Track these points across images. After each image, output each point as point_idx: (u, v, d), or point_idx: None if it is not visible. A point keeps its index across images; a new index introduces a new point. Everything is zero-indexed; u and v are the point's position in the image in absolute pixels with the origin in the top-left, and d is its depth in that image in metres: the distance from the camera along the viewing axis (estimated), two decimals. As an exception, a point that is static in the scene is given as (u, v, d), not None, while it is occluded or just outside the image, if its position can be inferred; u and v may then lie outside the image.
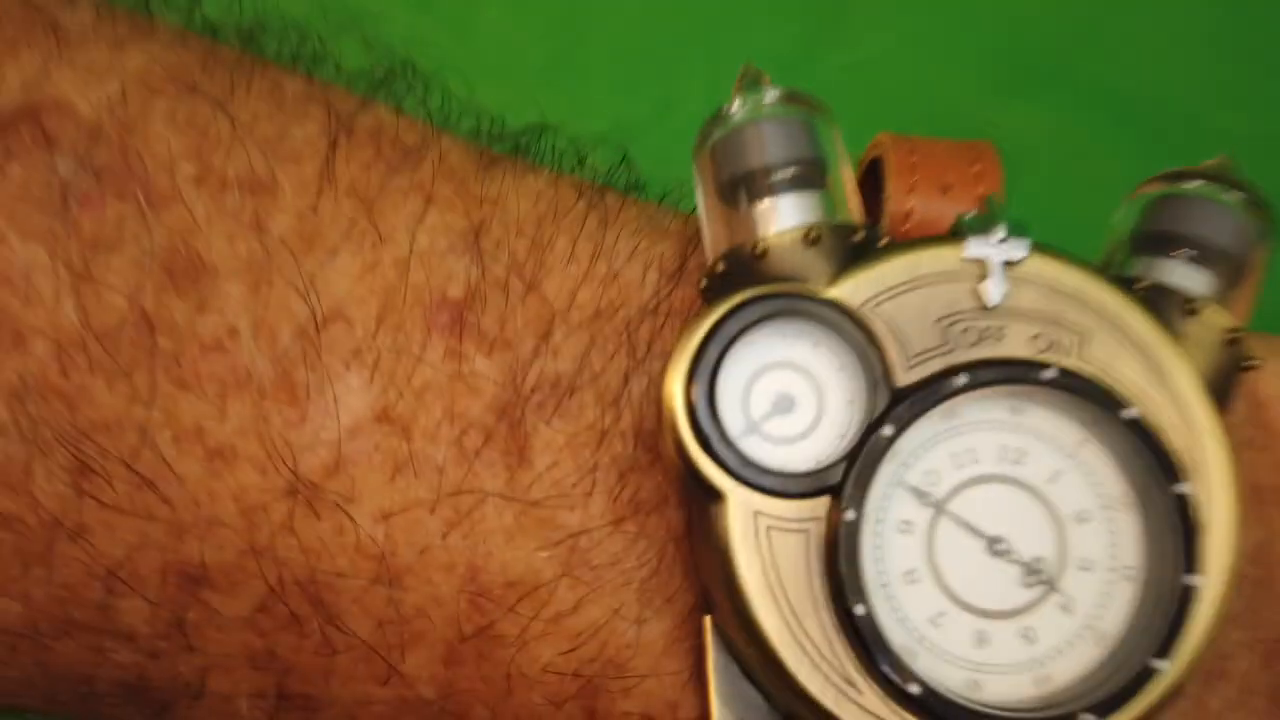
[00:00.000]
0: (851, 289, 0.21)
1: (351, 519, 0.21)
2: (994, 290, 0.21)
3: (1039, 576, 0.21)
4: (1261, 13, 0.39)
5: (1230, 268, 0.22)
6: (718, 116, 0.21)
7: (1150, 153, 0.39)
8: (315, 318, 0.21)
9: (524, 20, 0.41)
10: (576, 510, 0.21)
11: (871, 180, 0.23)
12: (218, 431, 0.21)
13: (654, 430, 0.22)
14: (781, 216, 0.21)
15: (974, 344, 0.21)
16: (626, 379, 0.22)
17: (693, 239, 0.23)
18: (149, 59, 0.22)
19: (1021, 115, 0.40)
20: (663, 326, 0.22)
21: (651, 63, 0.41)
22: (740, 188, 0.21)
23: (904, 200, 0.22)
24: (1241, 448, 0.23)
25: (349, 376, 0.21)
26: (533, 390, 0.22)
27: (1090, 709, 0.20)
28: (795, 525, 0.20)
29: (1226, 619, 0.21)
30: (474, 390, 0.21)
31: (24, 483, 0.21)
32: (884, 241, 0.21)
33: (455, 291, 0.22)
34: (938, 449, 0.21)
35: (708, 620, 0.21)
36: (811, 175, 0.21)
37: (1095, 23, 0.42)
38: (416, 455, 0.21)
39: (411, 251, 0.22)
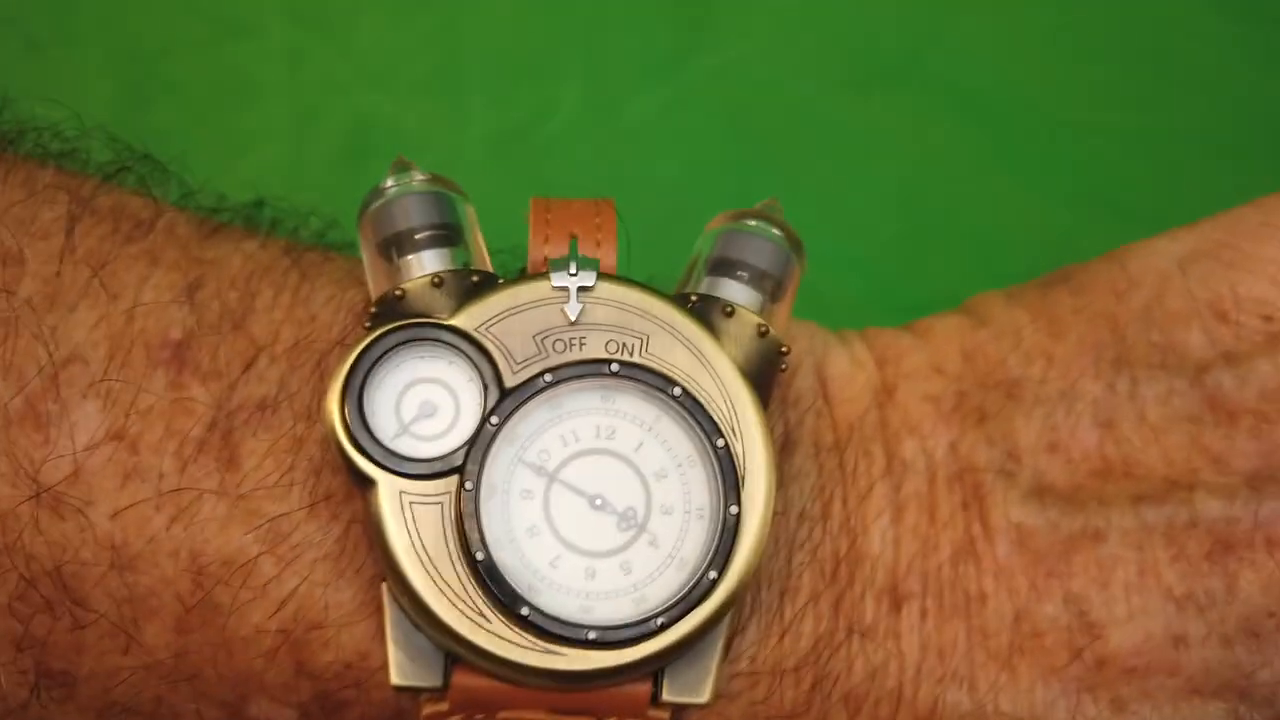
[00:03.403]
0: (467, 317, 0.27)
1: (88, 518, 0.27)
2: (573, 309, 0.28)
3: (631, 521, 0.27)
4: (1101, 11, 0.44)
5: (773, 284, 0.29)
6: (376, 191, 0.28)
7: (996, 145, 0.43)
8: (53, 360, 0.27)
9: (402, 31, 0.43)
10: (278, 501, 0.28)
11: None
12: None
13: None
14: (417, 268, 0.28)
15: (563, 351, 0.27)
16: (318, 397, 0.28)
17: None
18: None
19: (876, 112, 0.43)
20: (347, 355, 0.28)
21: (528, 70, 0.43)
22: (391, 246, 0.28)
23: (541, 249, 0.29)
24: (808, 414, 0.30)
25: (85, 405, 0.28)
26: (240, 408, 0.28)
27: (665, 614, 0.26)
28: (432, 499, 0.27)
29: (774, 540, 0.28)
30: (190, 412, 0.28)
31: None
32: (500, 282, 0.28)
33: (175, 334, 0.28)
34: (548, 433, 0.27)
35: (384, 585, 0.27)
36: (445, 236, 0.28)
37: (942, 24, 0.44)
38: (142, 464, 0.28)
39: (136, 304, 0.28)
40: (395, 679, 0.27)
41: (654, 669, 0.27)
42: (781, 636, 0.28)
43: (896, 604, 0.29)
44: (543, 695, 0.27)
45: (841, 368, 0.30)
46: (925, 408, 0.30)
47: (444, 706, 0.27)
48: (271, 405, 0.28)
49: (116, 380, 0.28)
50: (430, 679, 0.27)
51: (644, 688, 0.27)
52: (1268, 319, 0.29)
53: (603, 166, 0.42)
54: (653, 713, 0.28)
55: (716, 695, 0.28)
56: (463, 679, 0.27)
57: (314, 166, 0.42)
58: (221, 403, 0.28)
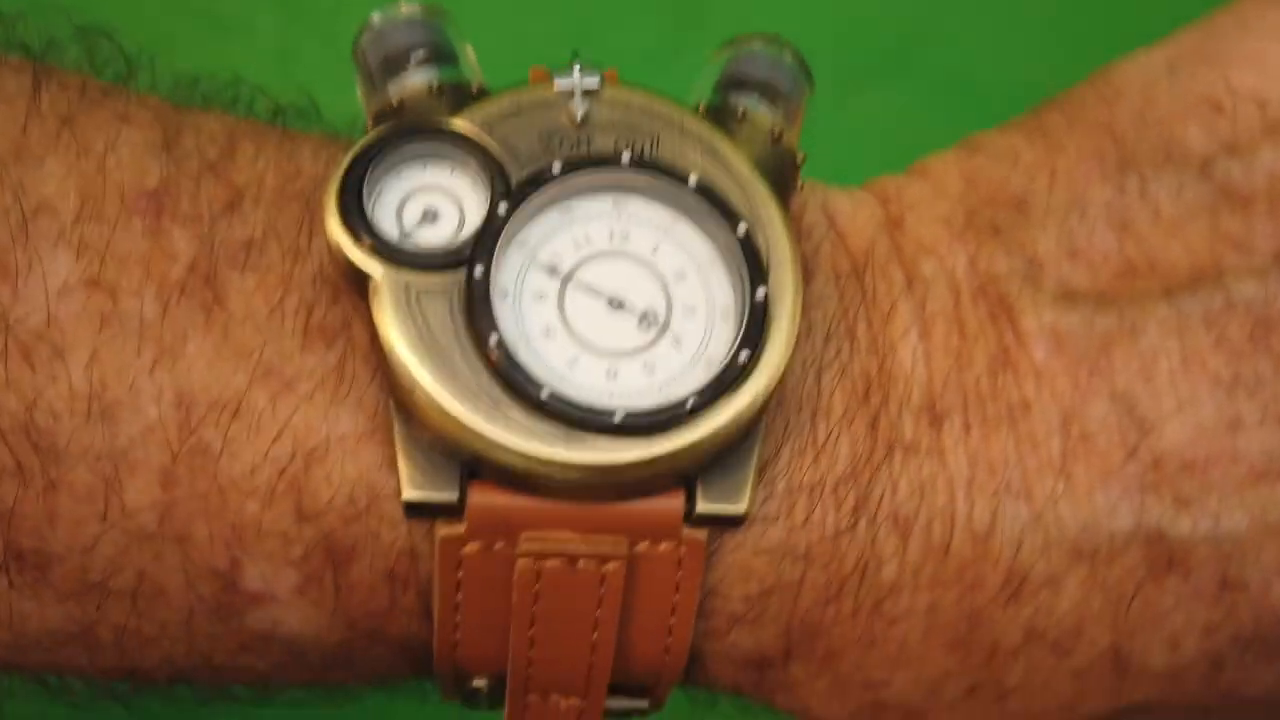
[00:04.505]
0: (468, 120, 0.27)
1: (64, 365, 0.26)
2: (578, 109, 0.27)
3: (652, 322, 0.26)
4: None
5: (786, 104, 0.28)
6: (365, 24, 0.28)
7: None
8: (22, 211, 0.26)
9: None
10: (268, 337, 0.26)
11: None
12: None
13: (332, 272, 0.27)
14: (416, 79, 0.27)
15: (569, 150, 0.26)
16: (312, 234, 0.27)
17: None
18: None
19: (873, 102, 0.43)
20: None
21: (521, 62, 0.43)
22: (385, 72, 0.27)
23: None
24: (822, 243, 0.29)
25: (56, 253, 0.26)
26: (222, 248, 0.26)
27: (696, 397, 0.25)
28: (439, 290, 0.25)
29: (800, 362, 0.26)
30: (170, 255, 0.26)
31: None
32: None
33: (150, 183, 0.27)
34: (559, 237, 0.26)
35: (390, 403, 0.26)
36: (439, 55, 0.27)
37: (937, 13, 0.44)
38: (120, 309, 0.26)
39: (108, 154, 0.27)
40: (407, 493, 0.25)
41: (687, 471, 0.25)
42: (816, 456, 0.27)
43: (937, 420, 0.27)
44: (568, 510, 0.25)
45: (845, 206, 0.29)
46: (937, 229, 0.29)
47: (460, 529, 0.25)
48: (258, 245, 0.27)
49: (89, 227, 0.26)
50: (445, 492, 0.25)
51: (676, 501, 0.26)
52: (1262, 105, 0.29)
53: None
54: (688, 533, 0.26)
55: (753, 509, 0.26)
56: (480, 495, 0.25)
57: None
58: (203, 244, 0.27)
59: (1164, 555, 0.27)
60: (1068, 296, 0.28)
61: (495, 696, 0.28)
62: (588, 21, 0.44)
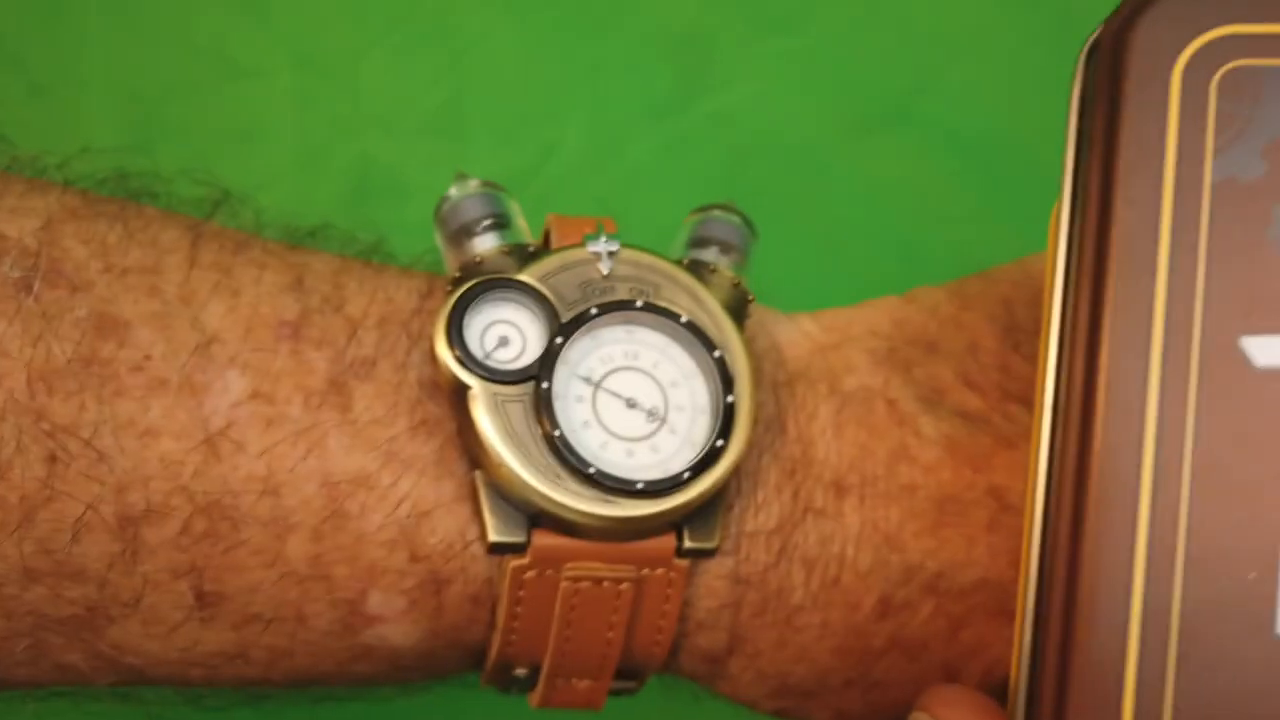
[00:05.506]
0: (531, 273, 0.37)
1: (241, 458, 0.33)
2: (605, 267, 0.38)
3: (655, 416, 0.37)
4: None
5: (738, 254, 0.39)
6: (444, 198, 0.38)
7: (989, 184, 0.45)
8: (202, 341, 0.33)
9: (407, 73, 0.45)
10: (388, 428, 0.34)
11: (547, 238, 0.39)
12: (144, 420, 0.33)
13: (429, 378, 0.36)
14: (489, 242, 0.38)
15: (600, 296, 0.37)
16: (409, 351, 0.37)
17: (432, 279, 0.38)
18: (51, 200, 0.35)
19: (872, 154, 0.45)
20: (424, 321, 0.37)
21: (530, 112, 0.44)
22: (461, 234, 0.38)
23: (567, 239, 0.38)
24: (765, 362, 0.38)
25: (229, 373, 0.34)
26: (349, 365, 0.34)
27: (689, 470, 0.36)
28: (518, 398, 0.36)
29: (755, 428, 0.37)
30: (311, 371, 0.34)
31: (5, 472, 0.32)
32: (551, 250, 0.38)
33: (290, 316, 0.34)
34: (591, 356, 0.37)
35: (476, 474, 0.36)
36: (502, 222, 0.38)
37: (936, 69, 0.45)
38: (278, 413, 0.34)
39: (256, 296, 0.34)
40: (492, 536, 0.36)
41: (679, 520, 0.36)
42: (757, 513, 0.37)
43: (841, 493, 0.36)
44: (599, 548, 0.36)
45: (790, 334, 0.39)
46: (863, 356, 0.37)
47: (525, 560, 0.36)
48: (373, 361, 0.36)
49: (251, 352, 0.35)
50: (517, 536, 0.36)
51: (670, 541, 0.37)
52: None
53: (603, 207, 0.44)
54: (677, 562, 0.37)
55: (719, 546, 0.37)
56: (540, 537, 0.36)
57: (320, 207, 0.41)
58: (333, 363, 0.35)
59: (998, 601, 0.36)
60: (961, 414, 0.36)
61: (530, 681, 0.37)
62: (596, 70, 0.45)
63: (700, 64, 0.45)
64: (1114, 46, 0.28)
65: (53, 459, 0.33)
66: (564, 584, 0.36)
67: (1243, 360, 0.27)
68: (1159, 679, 0.27)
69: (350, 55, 0.44)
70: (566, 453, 0.36)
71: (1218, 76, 0.27)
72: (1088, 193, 0.28)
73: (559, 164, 0.45)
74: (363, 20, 0.47)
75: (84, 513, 0.33)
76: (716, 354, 0.37)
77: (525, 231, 0.38)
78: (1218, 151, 0.27)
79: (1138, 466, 0.27)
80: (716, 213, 0.39)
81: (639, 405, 0.37)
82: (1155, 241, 0.27)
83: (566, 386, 0.37)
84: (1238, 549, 0.27)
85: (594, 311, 0.37)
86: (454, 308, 0.36)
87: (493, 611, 0.36)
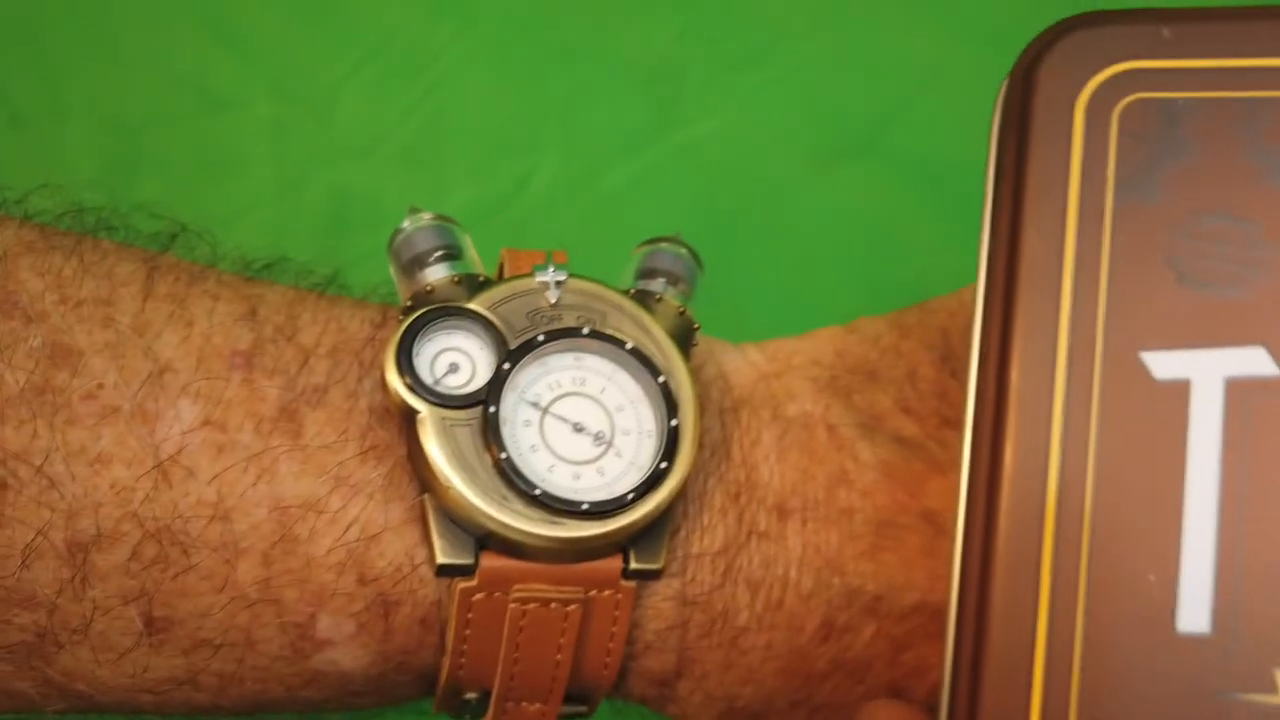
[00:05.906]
0: (479, 302, 0.38)
1: (192, 484, 0.34)
2: (553, 296, 0.39)
3: (601, 440, 0.38)
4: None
5: (685, 285, 0.41)
6: (398, 229, 0.39)
7: (955, 214, 0.45)
8: (155, 370, 0.34)
9: (383, 105, 0.45)
10: (337, 454, 0.35)
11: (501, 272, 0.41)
12: (96, 447, 0.33)
13: (381, 405, 0.37)
14: (440, 273, 0.39)
15: (547, 324, 0.38)
16: (360, 379, 0.38)
17: (386, 309, 0.39)
18: (8, 234, 0.36)
19: (840, 185, 0.45)
20: (377, 350, 0.38)
21: (507, 143, 0.45)
22: (414, 264, 0.39)
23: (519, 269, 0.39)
24: (712, 389, 0.40)
25: (181, 401, 0.35)
26: (300, 393, 0.35)
27: (634, 492, 0.37)
28: (466, 422, 0.37)
29: (700, 453, 0.38)
30: (263, 399, 0.35)
31: None
32: (500, 280, 0.39)
33: (243, 346, 0.35)
34: (539, 382, 0.38)
35: (424, 497, 0.37)
36: (453, 252, 0.39)
37: (902, 102, 0.46)
38: (230, 440, 0.35)
39: (209, 326, 0.36)
40: (439, 558, 0.37)
41: (625, 542, 0.38)
42: (702, 536, 0.38)
43: (784, 516, 0.37)
44: (546, 569, 0.37)
45: (736, 362, 0.41)
46: (805, 384, 0.38)
47: (474, 582, 0.37)
48: (324, 388, 0.37)
49: (203, 381, 0.36)
50: (465, 558, 0.37)
51: (617, 562, 0.38)
52: None
53: (577, 236, 0.45)
54: (623, 584, 0.38)
55: (665, 568, 0.38)
56: (488, 559, 0.37)
57: (297, 237, 0.44)
58: (285, 390, 0.37)
59: (938, 624, 0.36)
60: (898, 440, 0.37)
61: (480, 706, 0.38)
62: (570, 103, 0.46)
63: (672, 97, 0.46)
64: (1023, 82, 0.29)
65: (3, 485, 0.34)
66: (512, 606, 0.37)
67: (1144, 373, 0.28)
68: (1065, 679, 0.28)
69: (327, 87, 0.45)
70: (513, 475, 0.37)
71: (1119, 109, 0.28)
72: (998, 220, 0.29)
73: (533, 194, 0.46)
74: (339, 53, 0.48)
75: (34, 538, 0.34)
76: (661, 380, 0.38)
77: (477, 262, 0.40)
78: (1119, 180, 0.28)
79: (1044, 476, 0.28)
80: (664, 245, 0.41)
81: (586, 429, 0.38)
82: (1060, 265, 0.28)
83: (515, 411, 0.38)
84: (1138, 552, 0.27)
85: (541, 338, 0.38)
86: (404, 335, 0.38)
87: (442, 634, 0.38)
